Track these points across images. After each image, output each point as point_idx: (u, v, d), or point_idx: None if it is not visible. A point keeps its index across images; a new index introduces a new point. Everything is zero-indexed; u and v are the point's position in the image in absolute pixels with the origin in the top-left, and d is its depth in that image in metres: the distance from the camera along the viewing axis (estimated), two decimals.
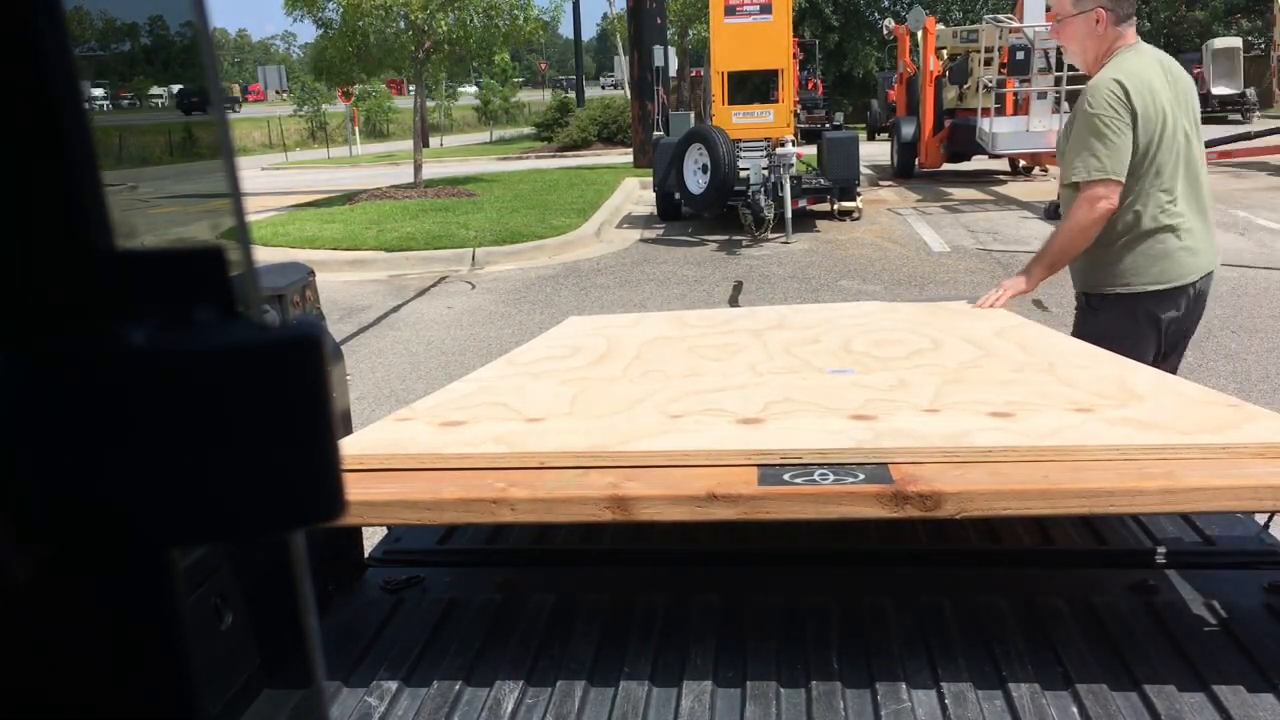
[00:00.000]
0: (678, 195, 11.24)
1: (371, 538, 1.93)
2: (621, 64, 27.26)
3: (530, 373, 2.09)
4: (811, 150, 12.93)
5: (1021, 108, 14.01)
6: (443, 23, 13.51)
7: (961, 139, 14.04)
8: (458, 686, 1.39)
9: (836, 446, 1.43)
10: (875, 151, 18.02)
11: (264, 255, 8.87)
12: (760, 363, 2.05)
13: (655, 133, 13.55)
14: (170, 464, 0.32)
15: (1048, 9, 13.82)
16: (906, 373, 1.89)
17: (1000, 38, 13.91)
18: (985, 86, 13.50)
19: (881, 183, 15.14)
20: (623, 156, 20.34)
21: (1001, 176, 15.18)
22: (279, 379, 0.34)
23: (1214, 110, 24.57)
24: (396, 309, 8.14)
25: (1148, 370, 1.90)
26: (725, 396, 1.77)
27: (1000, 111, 13.87)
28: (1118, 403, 1.64)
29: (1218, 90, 24.58)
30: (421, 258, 10.00)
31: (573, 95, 33.66)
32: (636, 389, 1.87)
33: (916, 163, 15.10)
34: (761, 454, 1.43)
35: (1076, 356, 2.04)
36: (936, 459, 1.40)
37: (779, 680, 1.36)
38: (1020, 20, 13.48)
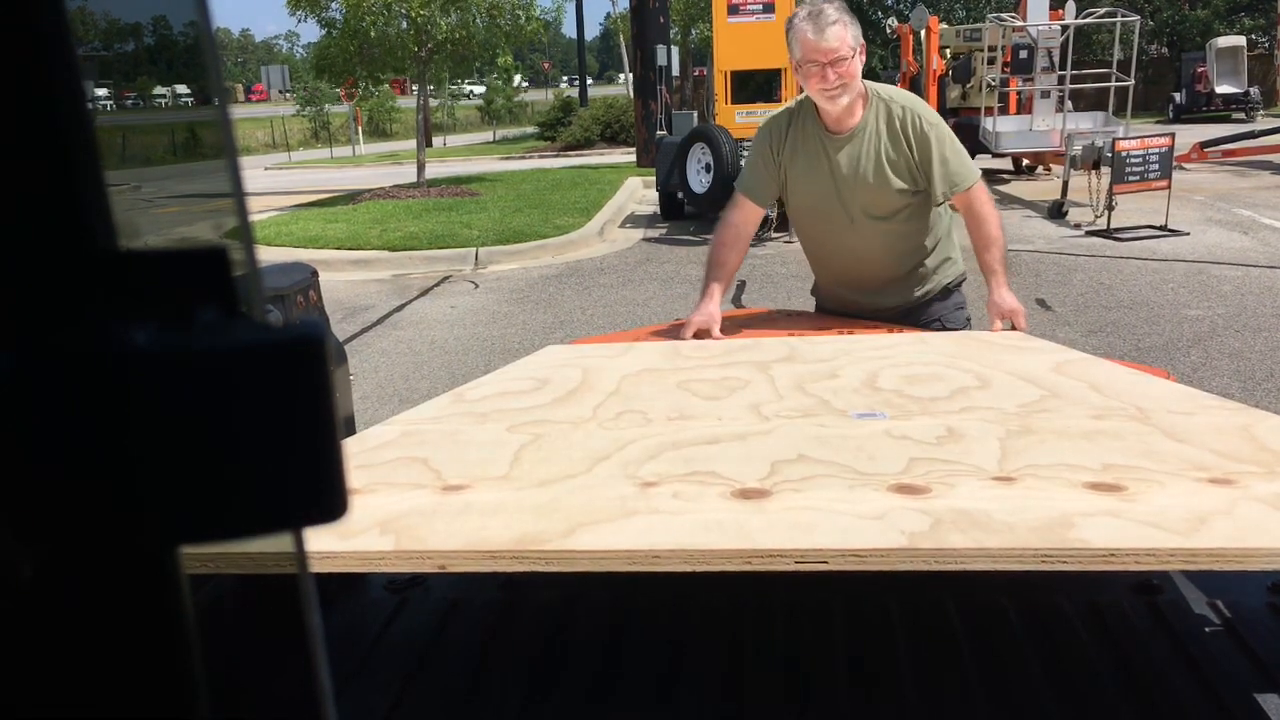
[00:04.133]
0: (681, 194, 11.26)
1: None
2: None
3: (476, 412, 1.75)
4: None
5: (1025, 107, 14.01)
6: (442, 24, 13.53)
7: (965, 138, 13.95)
8: (462, 685, 1.39)
9: (880, 546, 1.03)
10: None
11: (267, 255, 8.89)
12: (766, 402, 1.74)
13: (658, 132, 13.55)
14: (172, 464, 0.32)
15: (1056, 6, 13.88)
16: (955, 419, 1.56)
17: (1003, 36, 13.91)
18: (988, 85, 13.51)
19: None
20: (626, 156, 20.35)
21: (1005, 176, 15.18)
22: (281, 379, 0.34)
23: (1218, 109, 24.59)
24: (400, 309, 8.16)
25: (1274, 420, 1.52)
26: (719, 451, 1.44)
27: (1004, 110, 13.87)
28: (1263, 469, 1.25)
29: (1222, 89, 24.58)
30: (425, 257, 10.02)
31: (575, 94, 33.74)
32: (604, 438, 1.55)
33: None
34: (765, 557, 1.04)
35: (1168, 399, 1.66)
36: (1033, 564, 1.00)
37: (780, 680, 1.36)
38: (1024, 19, 13.48)
